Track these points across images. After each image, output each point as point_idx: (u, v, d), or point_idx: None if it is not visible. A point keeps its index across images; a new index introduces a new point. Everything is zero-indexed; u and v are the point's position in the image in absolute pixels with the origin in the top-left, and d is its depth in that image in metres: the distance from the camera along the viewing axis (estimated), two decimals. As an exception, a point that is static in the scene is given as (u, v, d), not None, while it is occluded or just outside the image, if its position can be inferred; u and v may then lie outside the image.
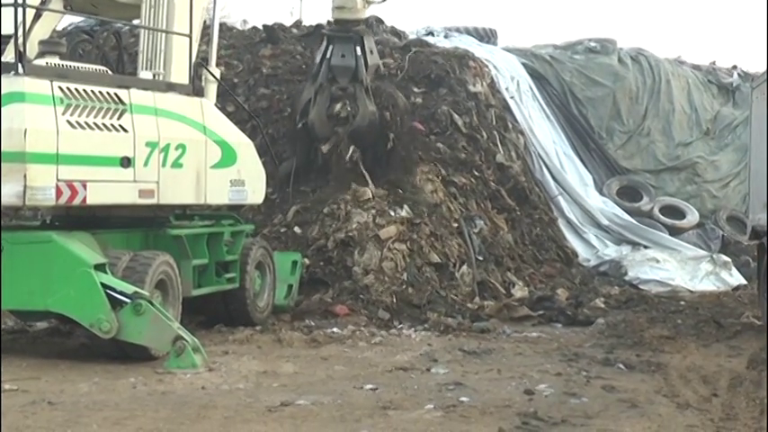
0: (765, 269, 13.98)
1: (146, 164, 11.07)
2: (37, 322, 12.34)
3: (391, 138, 16.05)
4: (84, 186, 10.32)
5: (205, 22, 13.31)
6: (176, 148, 11.54)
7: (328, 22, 17.13)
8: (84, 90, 10.50)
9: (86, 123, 10.44)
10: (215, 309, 12.83)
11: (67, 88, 10.31)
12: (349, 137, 15.69)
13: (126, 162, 10.83)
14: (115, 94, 10.87)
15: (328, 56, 15.73)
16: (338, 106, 15.77)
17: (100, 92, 10.69)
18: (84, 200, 10.33)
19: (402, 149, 16.30)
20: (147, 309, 10.06)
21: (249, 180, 12.94)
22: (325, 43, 15.96)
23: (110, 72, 11.53)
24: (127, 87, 11.10)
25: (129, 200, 10.99)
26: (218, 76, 13.33)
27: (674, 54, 23.96)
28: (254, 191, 13.15)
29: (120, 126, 10.84)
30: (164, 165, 11.33)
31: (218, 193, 12.40)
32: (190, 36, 12.21)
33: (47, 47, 10.76)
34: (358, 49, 15.67)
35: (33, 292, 10.16)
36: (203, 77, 13.04)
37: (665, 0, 45.14)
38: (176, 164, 11.56)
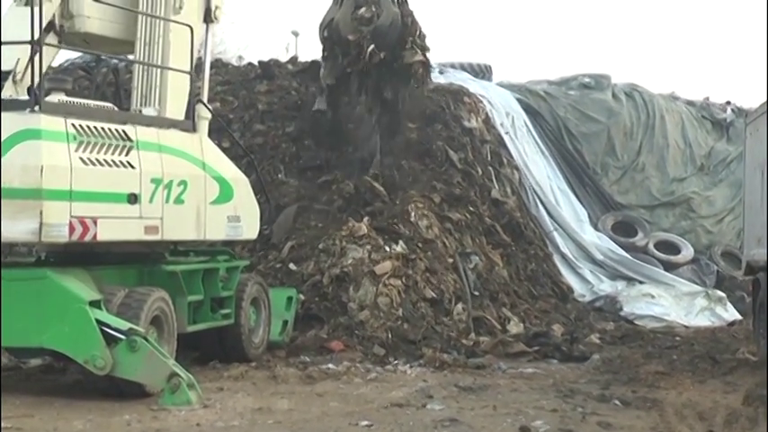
0: (762, 304, 13.99)
1: (151, 200, 11.13)
2: (31, 359, 12.29)
3: (409, 41, 16.41)
4: (95, 223, 10.37)
5: (200, 58, 13.40)
6: (179, 185, 11.60)
7: None
8: (95, 127, 10.57)
9: (97, 160, 10.51)
10: (210, 345, 12.79)
11: (80, 125, 10.40)
12: (372, 35, 16.13)
13: (133, 198, 10.87)
14: (123, 131, 10.94)
15: None
16: (363, 9, 16.35)
17: (109, 128, 10.76)
18: (95, 236, 10.38)
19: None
20: (142, 345, 10.04)
21: (244, 216, 12.97)
22: None
23: (116, 109, 11.60)
24: (133, 124, 11.17)
25: (136, 236, 11.03)
26: (210, 115, 13.40)
27: (667, 90, 24.15)
28: (249, 227, 13.17)
29: (128, 162, 10.91)
30: (167, 201, 11.38)
31: (217, 229, 12.42)
32: (191, 73, 12.30)
33: (53, 83, 10.83)
34: None
35: (28, 328, 10.13)
36: (196, 113, 13.11)
37: (658, 36, 45.43)
38: (179, 200, 11.62)
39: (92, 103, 11.19)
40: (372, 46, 16.17)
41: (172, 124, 11.94)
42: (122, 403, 10.05)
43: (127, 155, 10.90)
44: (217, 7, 13.12)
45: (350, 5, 16.45)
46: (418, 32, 16.85)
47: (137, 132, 11.10)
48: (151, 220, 11.14)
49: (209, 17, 13.09)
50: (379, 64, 16.38)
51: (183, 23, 12.23)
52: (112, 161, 10.70)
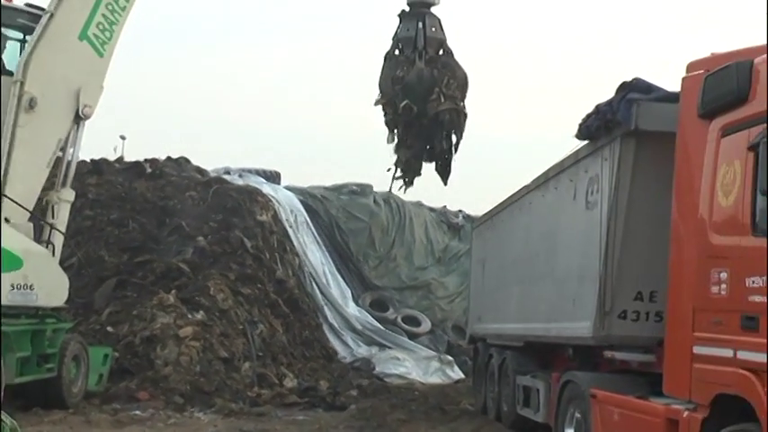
0: (480, 367, 14.43)
1: None
2: None
3: (435, 91, 15.01)
4: None
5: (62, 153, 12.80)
6: None
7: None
8: None
9: None
10: (35, 394, 12.13)
11: None
12: (402, 92, 15.00)
13: None
14: None
15: (398, 32, 15.38)
16: (398, 70, 15.23)
17: None
18: None
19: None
20: (-27, 395, 9.42)
21: (41, 285, 11.90)
22: (398, 22, 15.48)
23: None
24: None
25: None
26: (72, 198, 13.01)
27: (416, 198, 24.77)
28: (49, 295, 12.15)
29: None
30: None
31: None
32: None
33: None
34: (420, 23, 15.20)
35: None
36: (56, 197, 12.57)
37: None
38: None
39: None
40: (405, 101, 14.97)
41: None
42: (-48, 444, 9.35)
43: None
44: (86, 105, 12.40)
45: (392, 66, 15.23)
46: (446, 81, 15.22)
47: None
48: None
49: (77, 115, 12.43)
50: (416, 116, 15.03)
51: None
52: None
